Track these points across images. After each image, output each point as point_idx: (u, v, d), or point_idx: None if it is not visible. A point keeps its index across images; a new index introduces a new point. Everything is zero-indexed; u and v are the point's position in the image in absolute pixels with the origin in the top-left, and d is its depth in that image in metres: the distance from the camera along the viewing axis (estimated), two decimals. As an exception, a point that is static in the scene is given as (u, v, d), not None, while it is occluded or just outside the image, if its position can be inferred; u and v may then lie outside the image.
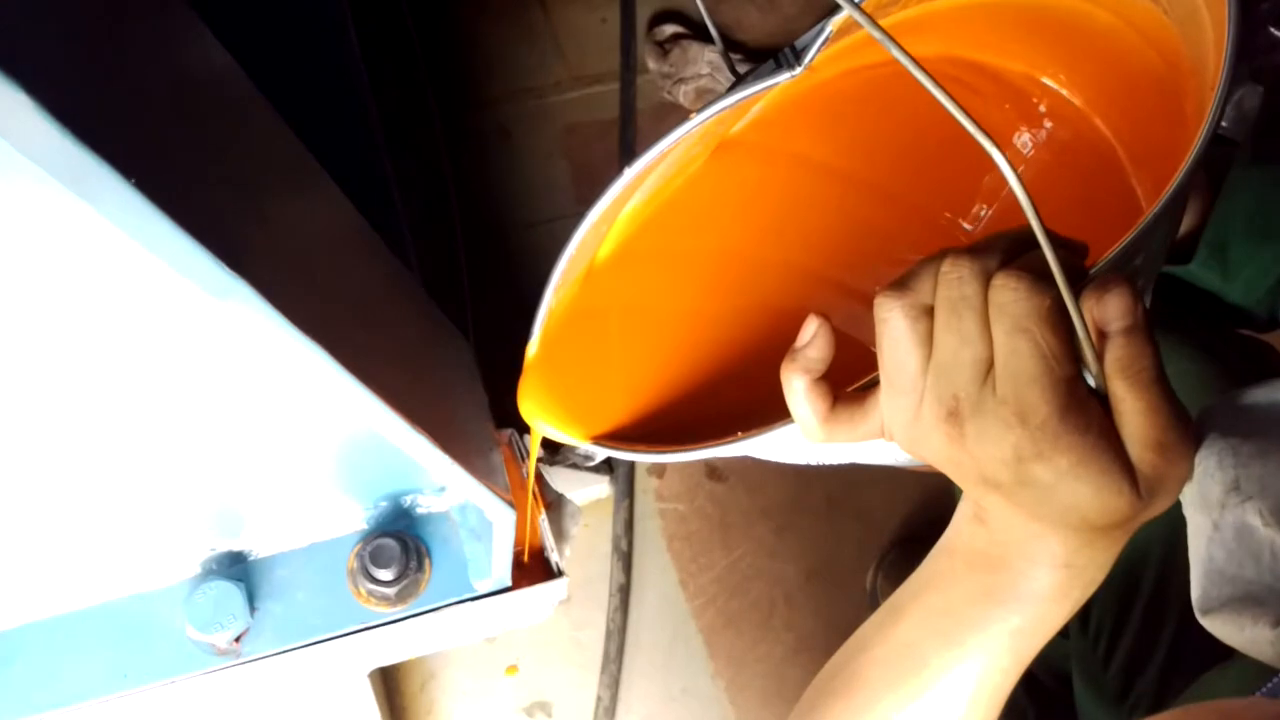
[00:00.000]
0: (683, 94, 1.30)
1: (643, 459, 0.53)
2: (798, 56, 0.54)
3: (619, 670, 1.05)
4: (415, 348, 0.59)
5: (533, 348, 0.56)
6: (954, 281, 0.39)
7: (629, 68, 1.33)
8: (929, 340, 0.40)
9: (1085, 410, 0.37)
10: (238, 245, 0.31)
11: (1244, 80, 0.76)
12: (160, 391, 0.53)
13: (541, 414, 0.54)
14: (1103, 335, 0.37)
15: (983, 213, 0.65)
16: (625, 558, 1.09)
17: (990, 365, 0.38)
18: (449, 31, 1.35)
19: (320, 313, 0.38)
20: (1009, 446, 0.38)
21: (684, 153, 0.59)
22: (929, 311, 0.40)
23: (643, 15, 1.36)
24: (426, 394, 0.54)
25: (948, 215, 0.66)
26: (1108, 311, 0.37)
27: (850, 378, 0.45)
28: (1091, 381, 0.38)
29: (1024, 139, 0.63)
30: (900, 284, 0.41)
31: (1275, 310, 0.65)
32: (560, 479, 1.02)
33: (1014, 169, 0.33)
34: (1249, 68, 0.77)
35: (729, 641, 1.07)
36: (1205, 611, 0.41)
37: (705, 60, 1.28)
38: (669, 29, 1.32)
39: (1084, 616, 0.67)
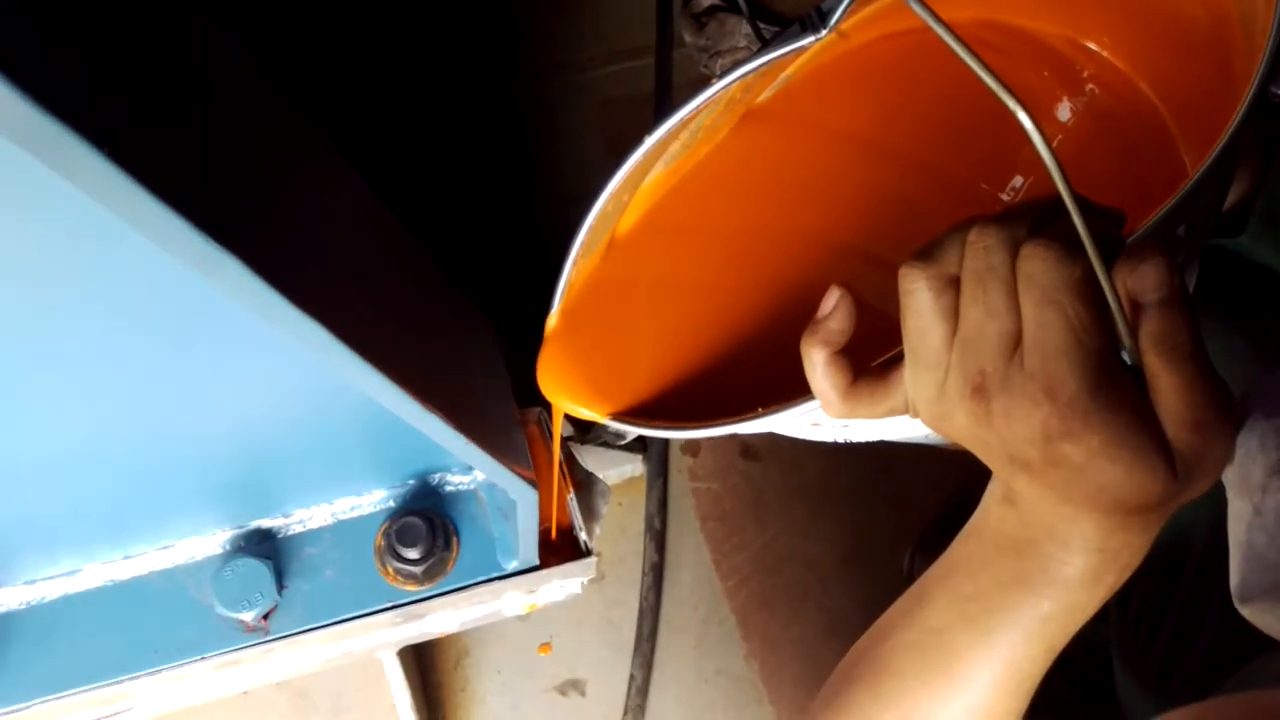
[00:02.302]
0: (719, 68, 1.28)
1: (663, 435, 0.51)
2: (823, 19, 0.52)
3: (652, 650, 1.04)
4: (431, 327, 0.58)
5: (552, 320, 0.55)
6: (980, 251, 0.37)
7: (665, 42, 1.30)
8: (954, 313, 0.38)
9: (1118, 386, 0.35)
10: (224, 218, 0.30)
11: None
12: (179, 362, 0.52)
13: (560, 388, 0.53)
14: (1137, 307, 0.36)
15: (1020, 184, 0.63)
16: (659, 537, 1.08)
17: (1018, 339, 0.37)
18: (485, 6, 1.34)
19: (323, 291, 0.38)
20: (1037, 424, 0.36)
21: (709, 121, 0.57)
22: (955, 283, 0.38)
23: (679, -13, 1.34)
24: (441, 373, 0.53)
25: (984, 186, 0.63)
26: (1142, 282, 0.35)
27: (881, 353, 0.44)
28: (1127, 357, 0.36)
29: (1065, 107, 0.61)
30: (925, 254, 0.39)
31: (1333, 284, 0.62)
32: (591, 457, 1.01)
33: (1037, 125, 0.32)
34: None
35: (763, 622, 1.05)
36: (1244, 600, 0.39)
37: (743, 33, 1.25)
38: (706, 1, 1.30)
39: (1124, 600, 0.65)
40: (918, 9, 0.32)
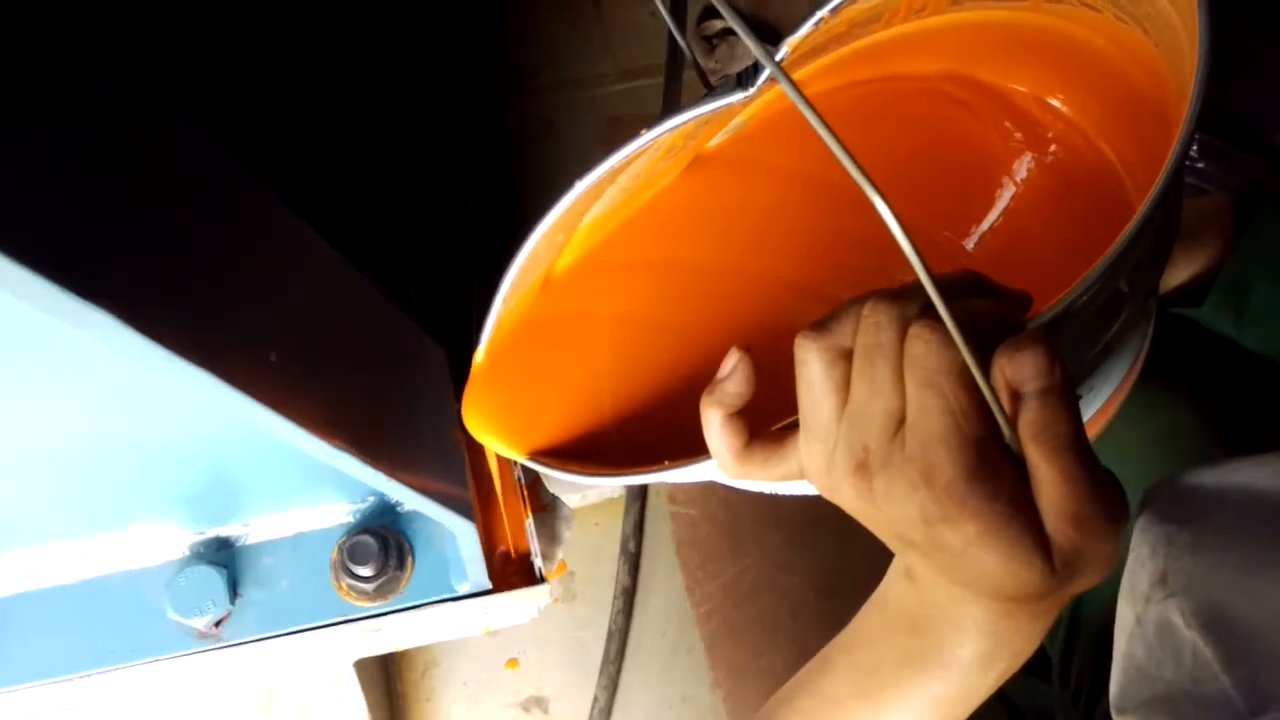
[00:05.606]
0: (727, 89, 1.27)
1: (574, 480, 0.51)
2: (755, 75, 0.52)
3: (618, 672, 1.04)
4: (356, 361, 0.58)
5: (479, 357, 0.55)
6: (871, 327, 0.37)
7: (675, 61, 1.30)
8: (845, 386, 0.38)
9: (996, 475, 0.34)
10: (89, 274, 0.30)
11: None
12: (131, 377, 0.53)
13: (481, 426, 0.53)
14: (1018, 397, 0.35)
15: (982, 230, 0.62)
16: (632, 559, 1.07)
17: (902, 418, 0.36)
18: (499, 22, 1.35)
19: (209, 334, 0.38)
20: (915, 507, 0.35)
21: (648, 166, 0.57)
22: (847, 355, 0.38)
23: (693, 10, 1.33)
24: (364, 408, 0.53)
25: (947, 234, 0.63)
26: (1020, 371, 0.34)
27: None
28: (1011, 445, 0.36)
29: (1026, 162, 0.60)
30: (821, 325, 0.39)
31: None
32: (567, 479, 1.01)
33: (894, 212, 0.31)
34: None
35: (731, 651, 1.05)
36: (1121, 711, 0.37)
37: (752, 57, 1.25)
38: (718, 24, 1.29)
39: (1065, 669, 0.64)
40: (791, 94, 0.32)
